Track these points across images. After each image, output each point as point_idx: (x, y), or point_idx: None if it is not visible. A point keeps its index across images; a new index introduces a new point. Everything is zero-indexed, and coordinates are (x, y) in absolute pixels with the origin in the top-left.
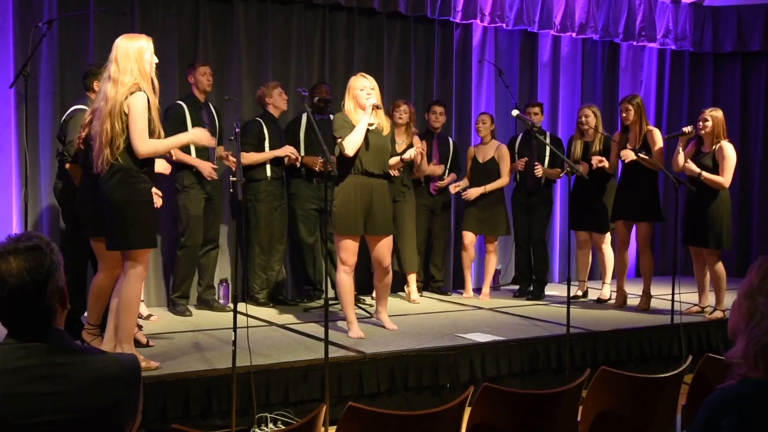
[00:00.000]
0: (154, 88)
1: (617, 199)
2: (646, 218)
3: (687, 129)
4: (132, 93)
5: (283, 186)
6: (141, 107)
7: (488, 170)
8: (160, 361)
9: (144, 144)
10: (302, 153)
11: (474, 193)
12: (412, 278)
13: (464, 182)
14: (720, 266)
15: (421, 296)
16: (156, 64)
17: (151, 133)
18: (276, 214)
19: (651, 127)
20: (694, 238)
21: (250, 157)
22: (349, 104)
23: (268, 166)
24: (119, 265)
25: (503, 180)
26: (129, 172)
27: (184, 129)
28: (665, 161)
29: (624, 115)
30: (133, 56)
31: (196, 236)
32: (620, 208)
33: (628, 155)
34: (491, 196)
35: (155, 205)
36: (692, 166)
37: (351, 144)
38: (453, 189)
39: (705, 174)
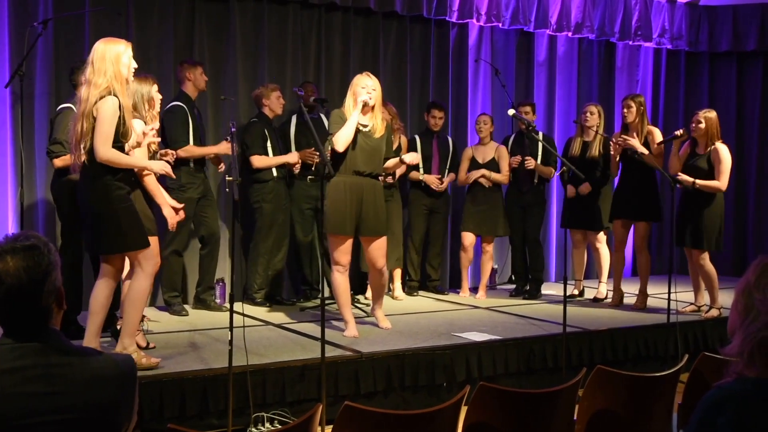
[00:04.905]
0: (152, 94)
1: (616, 199)
2: (645, 218)
3: (679, 132)
4: (102, 97)
5: (287, 186)
6: (109, 112)
7: (490, 170)
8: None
9: (105, 149)
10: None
11: (477, 173)
12: (396, 274)
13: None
14: (709, 265)
15: (417, 295)
16: (135, 68)
17: (123, 135)
18: (281, 215)
19: (651, 127)
20: (686, 239)
21: (262, 161)
22: (348, 101)
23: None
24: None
25: (504, 177)
26: (101, 181)
27: (186, 129)
28: (663, 161)
29: (625, 111)
30: (110, 59)
31: (183, 237)
32: (619, 207)
33: (631, 141)
34: (490, 198)
35: (175, 220)
36: (685, 178)
37: (340, 140)
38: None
39: (699, 182)
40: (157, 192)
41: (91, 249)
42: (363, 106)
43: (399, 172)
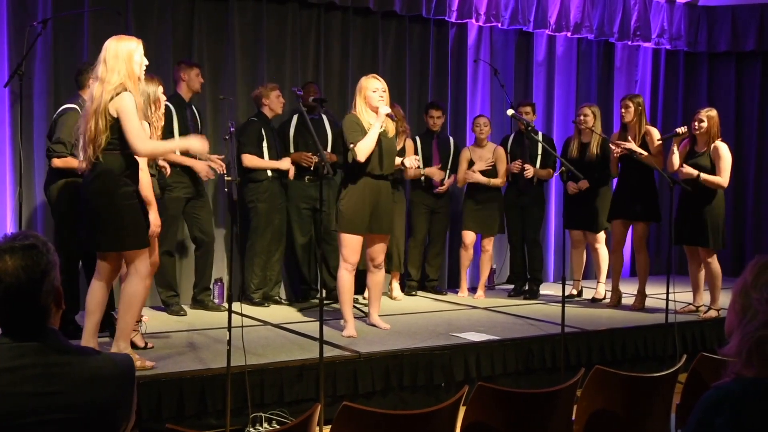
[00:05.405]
0: (158, 95)
1: (615, 199)
2: (644, 218)
3: (680, 130)
4: (118, 93)
5: (282, 185)
6: (131, 107)
7: (489, 173)
8: (154, 361)
9: (143, 144)
10: (291, 152)
11: (475, 177)
12: (395, 275)
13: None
14: (716, 264)
15: (416, 295)
16: (146, 65)
17: None
18: (276, 214)
19: (649, 127)
20: (689, 238)
21: (253, 161)
22: (360, 105)
23: None
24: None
25: (501, 180)
26: (110, 176)
27: (170, 129)
28: (662, 160)
29: (623, 111)
30: (123, 57)
31: (172, 237)
32: (618, 207)
33: (628, 145)
34: (489, 196)
35: (156, 229)
36: (689, 170)
37: (363, 150)
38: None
39: (704, 175)
40: (149, 195)
41: (90, 246)
42: (386, 115)
43: (412, 174)
